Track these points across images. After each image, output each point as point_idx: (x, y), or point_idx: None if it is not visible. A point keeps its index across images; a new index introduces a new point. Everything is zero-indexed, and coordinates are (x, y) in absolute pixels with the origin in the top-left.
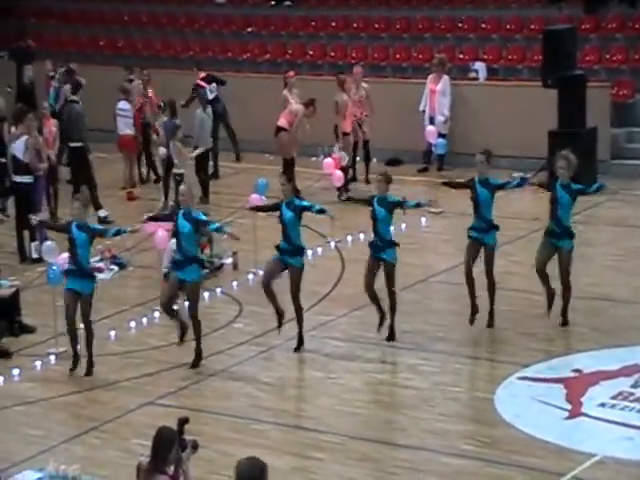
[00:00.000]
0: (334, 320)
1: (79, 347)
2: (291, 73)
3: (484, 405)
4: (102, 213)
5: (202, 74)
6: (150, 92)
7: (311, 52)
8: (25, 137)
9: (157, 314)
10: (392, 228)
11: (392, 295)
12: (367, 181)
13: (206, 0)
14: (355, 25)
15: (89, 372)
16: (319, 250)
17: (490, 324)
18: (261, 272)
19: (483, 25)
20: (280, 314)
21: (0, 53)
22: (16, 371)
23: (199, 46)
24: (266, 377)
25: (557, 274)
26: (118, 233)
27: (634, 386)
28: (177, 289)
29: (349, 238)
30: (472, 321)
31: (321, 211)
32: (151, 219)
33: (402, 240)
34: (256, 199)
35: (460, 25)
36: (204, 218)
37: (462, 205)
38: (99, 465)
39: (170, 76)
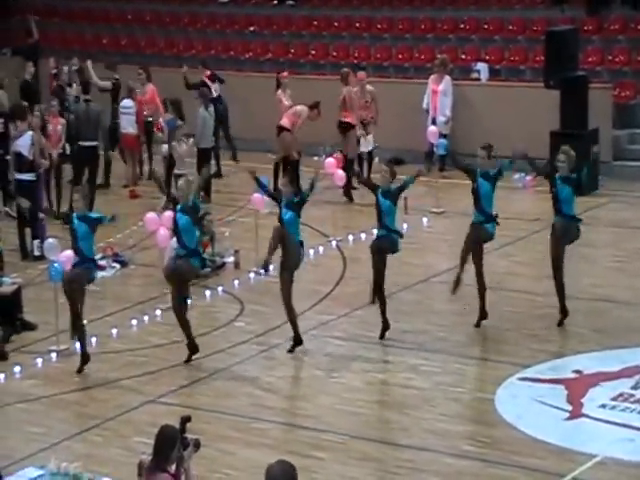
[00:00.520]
0: (335, 319)
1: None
2: (284, 73)
3: (485, 405)
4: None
5: (207, 72)
6: (149, 90)
7: (313, 52)
8: (30, 132)
9: (159, 312)
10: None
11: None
12: None
13: None
14: (358, 25)
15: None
16: (320, 249)
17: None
18: (262, 271)
19: (485, 26)
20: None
21: (3, 50)
22: (17, 368)
23: (202, 45)
24: (267, 376)
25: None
26: (113, 219)
27: (635, 387)
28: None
29: (350, 237)
30: (478, 324)
31: (311, 188)
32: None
33: (404, 240)
34: (258, 198)
35: (462, 26)
36: (197, 204)
37: (464, 205)
38: (100, 463)
39: (173, 74)
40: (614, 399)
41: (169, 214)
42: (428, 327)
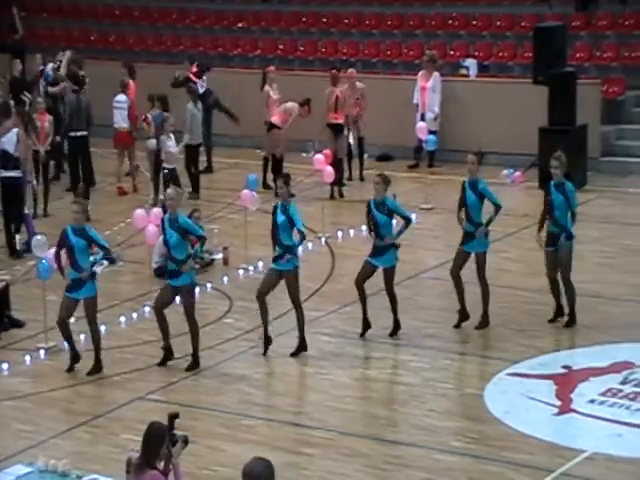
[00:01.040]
0: (324, 316)
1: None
2: (271, 68)
3: (474, 401)
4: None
5: (194, 68)
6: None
7: (302, 48)
8: (16, 129)
9: (147, 309)
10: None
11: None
12: (361, 178)
13: None
14: (346, 21)
15: (97, 370)
16: (310, 245)
17: (481, 326)
18: (251, 267)
19: (474, 22)
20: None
21: None
22: (5, 366)
23: (190, 41)
24: (256, 373)
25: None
26: (108, 253)
27: (623, 383)
28: (173, 297)
29: (339, 234)
30: (458, 325)
31: (301, 236)
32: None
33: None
34: (248, 195)
35: (451, 22)
36: (189, 224)
37: (452, 201)
38: (89, 460)
39: (161, 70)
40: (603, 394)
41: (157, 211)
42: (417, 323)
